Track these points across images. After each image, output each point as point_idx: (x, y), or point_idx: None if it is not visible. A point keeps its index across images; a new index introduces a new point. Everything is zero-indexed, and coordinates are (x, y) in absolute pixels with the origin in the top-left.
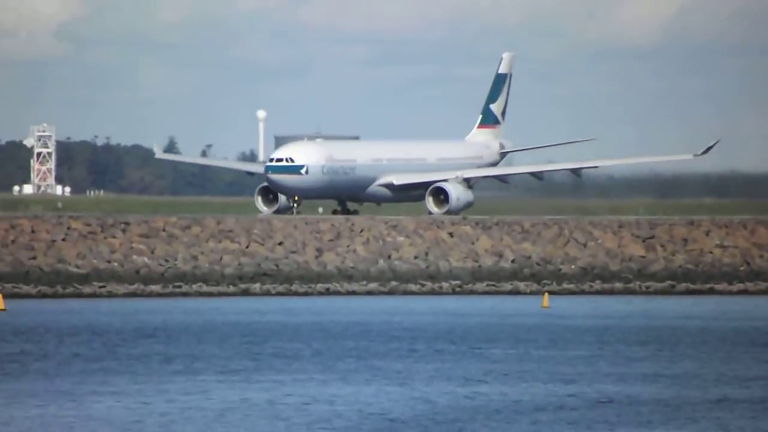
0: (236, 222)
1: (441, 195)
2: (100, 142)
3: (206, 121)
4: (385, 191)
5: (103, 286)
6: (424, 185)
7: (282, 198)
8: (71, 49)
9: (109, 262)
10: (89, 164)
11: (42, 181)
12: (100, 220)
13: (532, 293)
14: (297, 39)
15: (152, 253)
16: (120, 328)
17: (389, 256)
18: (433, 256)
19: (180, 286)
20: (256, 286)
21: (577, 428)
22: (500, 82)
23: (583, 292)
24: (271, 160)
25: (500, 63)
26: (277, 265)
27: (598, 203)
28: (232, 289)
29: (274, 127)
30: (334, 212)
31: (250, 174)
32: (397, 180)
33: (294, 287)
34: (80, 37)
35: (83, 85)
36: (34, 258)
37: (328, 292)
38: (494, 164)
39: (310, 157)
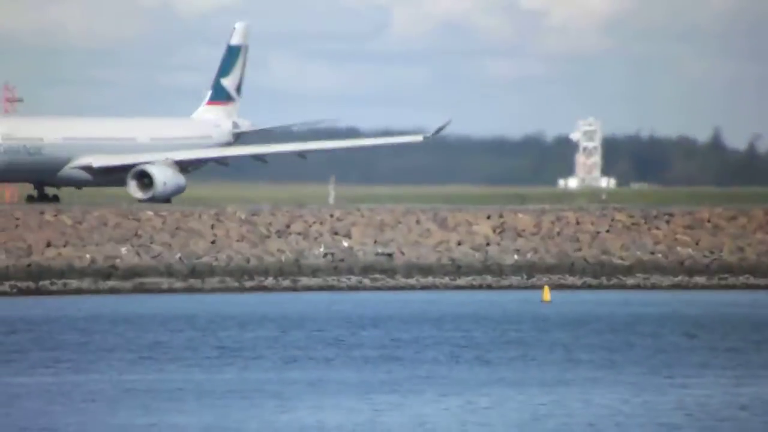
0: None
1: (145, 179)
2: (644, 133)
3: (755, 111)
4: (83, 174)
5: (647, 278)
6: (127, 168)
7: None
8: (617, 43)
9: (652, 253)
10: (634, 156)
11: (587, 174)
12: (643, 211)
13: None
14: None
15: (696, 244)
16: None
17: None
18: None
19: (726, 278)
20: None
21: None
22: (233, 54)
23: None
24: None
25: (232, 33)
26: None
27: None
28: (764, 281)
29: None
30: (29, 198)
31: None
32: (96, 162)
33: None
34: (627, 30)
35: (628, 77)
36: (579, 249)
37: None
38: (227, 145)
39: None
